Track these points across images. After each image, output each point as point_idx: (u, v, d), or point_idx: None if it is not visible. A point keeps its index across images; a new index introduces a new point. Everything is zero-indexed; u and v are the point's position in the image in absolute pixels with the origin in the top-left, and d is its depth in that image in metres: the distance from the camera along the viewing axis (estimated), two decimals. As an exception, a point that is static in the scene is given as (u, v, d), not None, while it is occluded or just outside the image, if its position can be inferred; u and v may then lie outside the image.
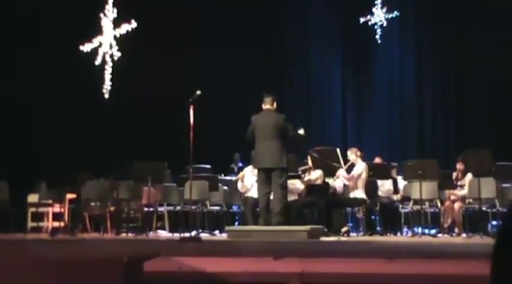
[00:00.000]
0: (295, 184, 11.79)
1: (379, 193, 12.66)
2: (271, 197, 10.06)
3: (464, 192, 11.90)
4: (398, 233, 12.35)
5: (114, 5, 17.16)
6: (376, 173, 12.34)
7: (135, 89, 15.88)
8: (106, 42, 17.12)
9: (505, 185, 11.81)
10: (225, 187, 13.44)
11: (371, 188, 12.13)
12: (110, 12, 17.13)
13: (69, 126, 15.43)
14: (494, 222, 11.81)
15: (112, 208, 12.85)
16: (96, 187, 12.79)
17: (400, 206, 12.72)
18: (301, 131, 10.40)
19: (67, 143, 14.95)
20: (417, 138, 16.88)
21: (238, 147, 14.57)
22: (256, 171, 10.71)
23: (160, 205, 13.06)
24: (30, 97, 15.37)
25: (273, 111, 10.24)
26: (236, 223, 13.86)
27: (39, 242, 9.35)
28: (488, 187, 11.22)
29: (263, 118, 10.16)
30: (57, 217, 13.13)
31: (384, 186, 12.74)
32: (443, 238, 11.18)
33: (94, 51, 17.02)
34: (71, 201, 12.91)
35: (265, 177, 10.02)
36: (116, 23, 17.12)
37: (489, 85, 15.87)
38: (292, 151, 10.65)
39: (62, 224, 12.62)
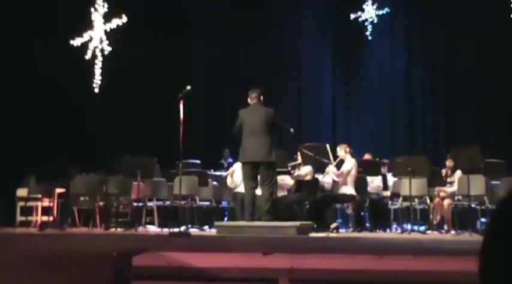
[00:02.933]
0: (285, 180, 11.80)
1: (369, 189, 12.68)
2: (258, 192, 10.05)
3: (453, 188, 11.93)
4: (388, 230, 12.38)
5: (104, -1, 17.14)
6: (365, 169, 12.36)
7: (125, 84, 15.87)
8: (96, 36, 17.08)
9: (494, 182, 11.85)
10: (215, 183, 13.44)
11: (360, 184, 12.15)
12: (101, 6, 17.08)
13: (59, 120, 15.39)
14: (483, 219, 11.84)
15: (101, 203, 12.83)
16: (86, 181, 12.78)
17: (390, 202, 12.74)
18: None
19: (56, 137, 14.91)
20: (407, 134, 16.91)
21: (228, 142, 14.56)
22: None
23: (150, 200, 13.03)
24: (19, 91, 15.34)
25: (261, 106, 10.18)
26: (225, 218, 13.86)
27: (28, 236, 9.34)
28: (478, 184, 11.27)
29: (251, 113, 10.09)
30: (46, 211, 13.12)
31: (374, 182, 12.75)
32: (432, 234, 11.20)
33: (84, 46, 16.98)
34: (60, 195, 12.91)
35: (252, 171, 9.97)
36: (107, 18, 17.07)
37: (479, 82, 15.88)
38: (279, 144, 10.61)
39: (51, 218, 12.62)
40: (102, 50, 17.10)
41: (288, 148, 12.07)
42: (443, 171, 12.21)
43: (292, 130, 10.52)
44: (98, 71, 17.11)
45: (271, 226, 9.40)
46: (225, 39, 16.92)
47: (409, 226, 11.81)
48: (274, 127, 10.07)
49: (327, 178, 12.26)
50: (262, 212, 9.77)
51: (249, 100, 10.25)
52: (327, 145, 11.87)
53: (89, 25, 17.04)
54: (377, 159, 13.30)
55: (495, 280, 1.64)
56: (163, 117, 13.45)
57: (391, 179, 12.85)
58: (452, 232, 11.46)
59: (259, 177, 10.03)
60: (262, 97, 10.23)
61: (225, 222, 12.52)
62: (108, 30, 17.07)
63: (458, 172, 11.83)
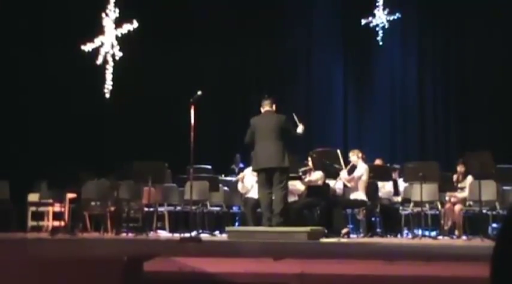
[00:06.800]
0: (296, 185, 11.78)
1: (380, 194, 12.65)
2: (273, 197, 10.05)
3: (464, 194, 11.90)
4: (399, 235, 12.33)
5: (115, 4, 17.16)
6: (376, 175, 12.34)
7: (136, 89, 15.89)
8: (107, 41, 17.12)
9: (505, 187, 11.79)
10: (226, 188, 13.43)
11: (371, 190, 12.12)
12: (112, 12, 17.13)
13: (70, 125, 15.43)
14: (494, 225, 11.79)
15: (112, 208, 12.85)
16: (97, 186, 12.79)
17: (401, 208, 12.71)
18: (299, 129, 10.37)
19: (68, 142, 14.96)
20: (418, 139, 16.87)
21: (239, 147, 14.57)
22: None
23: (161, 205, 13.04)
24: (31, 96, 15.39)
25: (273, 113, 10.24)
26: (236, 223, 13.87)
27: (39, 241, 9.35)
28: (489, 190, 11.22)
29: (263, 120, 10.14)
30: (57, 216, 13.15)
31: (385, 188, 12.73)
32: (443, 240, 11.16)
33: (95, 51, 17.02)
34: (71, 200, 12.93)
35: (266, 178, 10.00)
36: (118, 23, 17.12)
37: (490, 87, 15.84)
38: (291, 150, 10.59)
39: (62, 223, 12.63)
40: (113, 55, 17.14)
41: (299, 153, 12.06)
42: (455, 177, 12.18)
43: (300, 130, 10.40)
44: (109, 76, 17.14)
45: (282, 232, 9.40)
46: (236, 45, 16.94)
47: (420, 232, 11.78)
48: (286, 132, 10.09)
49: (338, 184, 12.24)
50: (274, 214, 9.80)
51: (261, 108, 10.28)
52: (338, 151, 11.88)
53: (100, 30, 17.09)
54: (388, 164, 13.28)
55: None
56: (174, 122, 13.46)
57: (402, 184, 12.82)
58: (464, 237, 11.42)
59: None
60: (274, 106, 10.27)
61: (236, 227, 12.53)
62: (119, 35, 17.11)
63: (470, 178, 11.80)
